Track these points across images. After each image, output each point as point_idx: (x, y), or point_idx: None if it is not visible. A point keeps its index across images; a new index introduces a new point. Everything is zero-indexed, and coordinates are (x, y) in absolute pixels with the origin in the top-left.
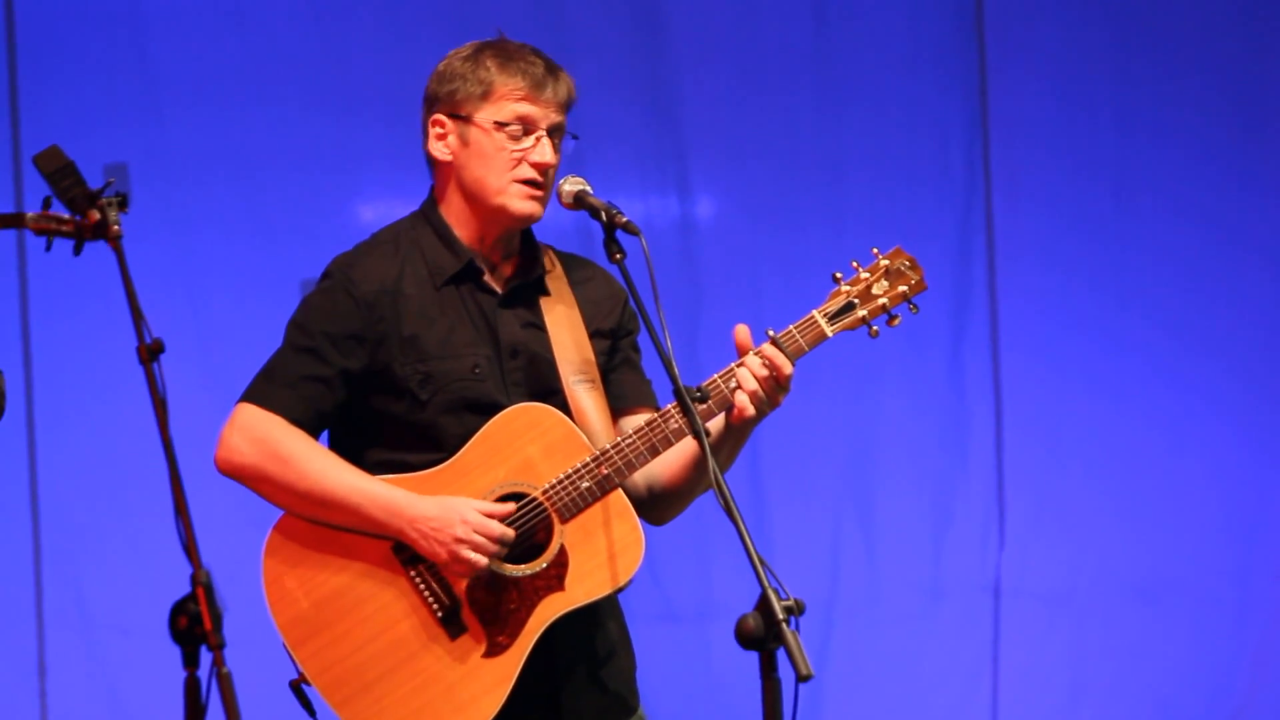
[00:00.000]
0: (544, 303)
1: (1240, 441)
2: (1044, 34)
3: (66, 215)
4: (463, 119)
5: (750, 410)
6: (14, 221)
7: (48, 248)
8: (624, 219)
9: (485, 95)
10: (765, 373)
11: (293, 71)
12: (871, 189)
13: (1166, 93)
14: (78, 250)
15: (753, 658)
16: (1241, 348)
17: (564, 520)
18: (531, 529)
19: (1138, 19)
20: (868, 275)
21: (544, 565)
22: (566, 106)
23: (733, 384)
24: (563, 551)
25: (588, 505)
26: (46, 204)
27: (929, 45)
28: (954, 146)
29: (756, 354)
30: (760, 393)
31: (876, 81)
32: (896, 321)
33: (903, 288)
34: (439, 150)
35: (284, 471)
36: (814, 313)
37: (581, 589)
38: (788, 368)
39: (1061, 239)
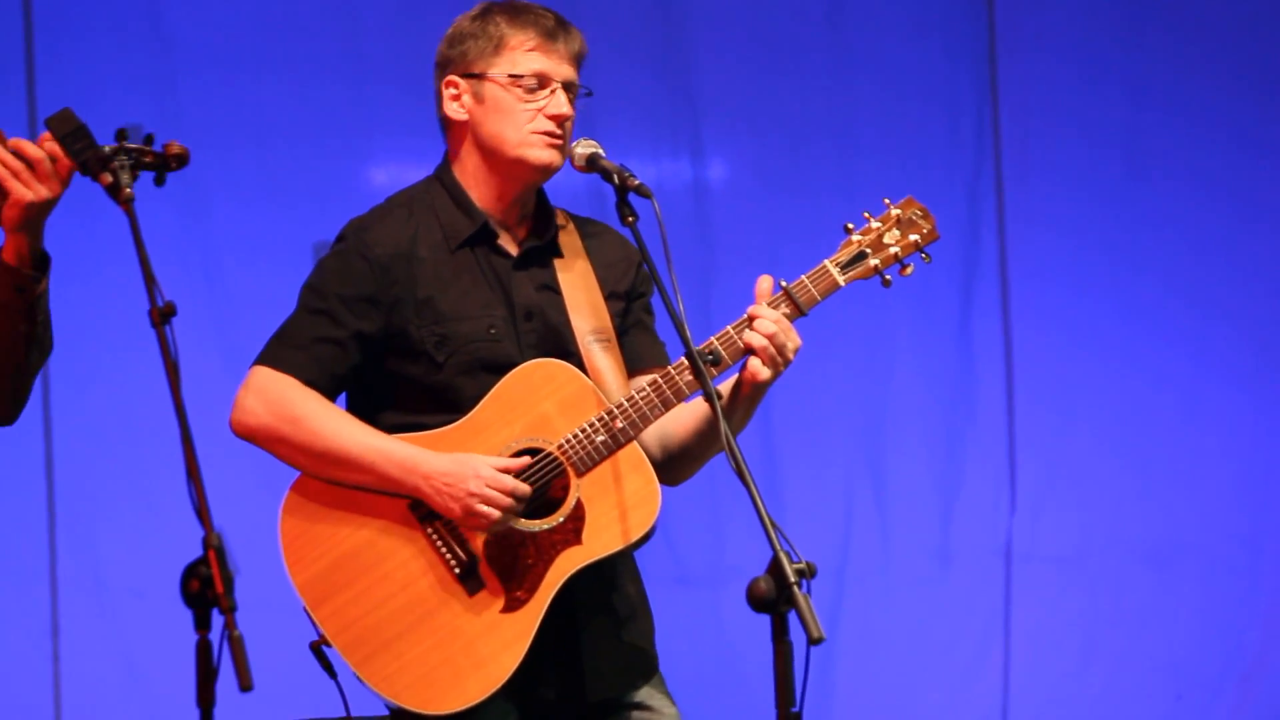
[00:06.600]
0: (558, 265)
1: (1251, 405)
2: (1053, 0)
3: (149, 148)
4: (476, 77)
5: (764, 373)
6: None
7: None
8: (636, 182)
9: (498, 49)
10: (775, 330)
11: (305, 38)
12: (881, 155)
13: (1177, 59)
14: (159, 181)
15: (764, 621)
16: (1251, 313)
17: (580, 474)
18: (547, 484)
19: None
20: (879, 225)
21: (561, 519)
22: (578, 61)
23: (745, 336)
24: (579, 505)
25: (603, 459)
26: (121, 136)
27: (939, 12)
28: (964, 114)
29: (771, 305)
30: (770, 349)
31: (887, 48)
32: (909, 270)
33: (914, 237)
34: (454, 110)
35: (298, 432)
36: (826, 262)
37: (599, 542)
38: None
39: (1071, 206)
